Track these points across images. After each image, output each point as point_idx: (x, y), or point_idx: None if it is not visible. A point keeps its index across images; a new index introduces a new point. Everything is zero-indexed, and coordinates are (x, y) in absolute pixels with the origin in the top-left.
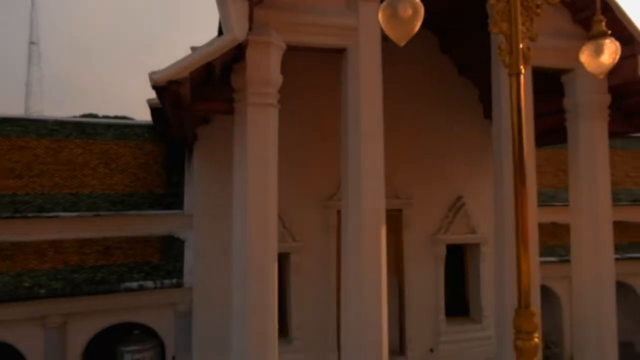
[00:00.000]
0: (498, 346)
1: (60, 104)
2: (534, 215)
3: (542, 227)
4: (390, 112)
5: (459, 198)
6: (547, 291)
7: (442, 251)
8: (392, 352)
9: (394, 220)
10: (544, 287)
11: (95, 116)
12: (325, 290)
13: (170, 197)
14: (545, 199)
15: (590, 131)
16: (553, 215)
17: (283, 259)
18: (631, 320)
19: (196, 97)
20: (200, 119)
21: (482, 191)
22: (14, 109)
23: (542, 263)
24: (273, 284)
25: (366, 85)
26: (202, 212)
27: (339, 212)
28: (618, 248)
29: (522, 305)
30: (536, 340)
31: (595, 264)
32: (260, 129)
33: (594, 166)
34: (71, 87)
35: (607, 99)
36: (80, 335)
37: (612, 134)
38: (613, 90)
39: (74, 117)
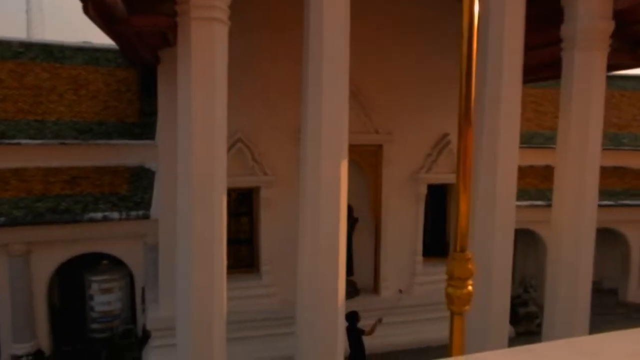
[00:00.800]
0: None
1: (62, 32)
2: (514, 158)
3: (535, 170)
4: (368, 39)
5: (445, 135)
6: (533, 235)
7: (423, 191)
8: (365, 291)
9: (373, 157)
10: (529, 231)
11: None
12: (296, 225)
13: (142, 126)
14: (542, 141)
15: (586, 63)
16: (548, 158)
17: (253, 194)
18: (619, 267)
19: (133, 9)
20: (160, 40)
21: None
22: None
23: (530, 207)
24: (220, 216)
25: (330, 6)
26: (166, 141)
27: None
28: (612, 194)
29: (458, 249)
30: (469, 288)
31: (576, 208)
32: (205, 47)
33: (587, 103)
34: (72, 14)
35: (610, 25)
36: (45, 264)
37: (614, 67)
38: (618, 16)
39: None
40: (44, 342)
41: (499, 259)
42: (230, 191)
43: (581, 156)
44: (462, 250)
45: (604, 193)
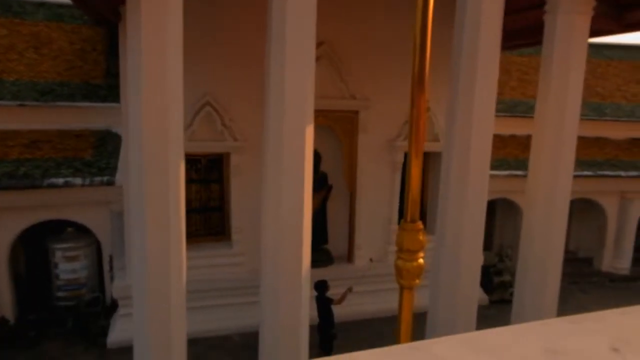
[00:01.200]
0: (441, 258)
1: None
2: (489, 127)
3: (517, 140)
4: (346, 2)
5: None
6: (511, 205)
7: (400, 159)
8: (339, 259)
9: (349, 123)
10: (508, 200)
11: None
12: None
13: (108, 88)
14: (526, 110)
15: (568, 27)
16: (531, 128)
17: (223, 160)
18: (596, 237)
19: None
20: None
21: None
22: None
23: (509, 176)
24: (176, 181)
25: None
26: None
27: None
28: (592, 165)
29: (408, 219)
30: (420, 261)
31: (551, 177)
32: (157, 1)
33: (567, 68)
34: None
35: None
36: (5, 231)
37: (598, 33)
38: None
39: None
40: (8, 310)
41: (470, 229)
42: (200, 157)
43: (559, 123)
44: (413, 220)
45: (584, 163)
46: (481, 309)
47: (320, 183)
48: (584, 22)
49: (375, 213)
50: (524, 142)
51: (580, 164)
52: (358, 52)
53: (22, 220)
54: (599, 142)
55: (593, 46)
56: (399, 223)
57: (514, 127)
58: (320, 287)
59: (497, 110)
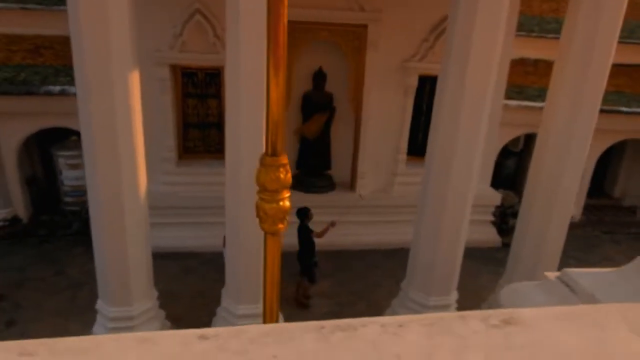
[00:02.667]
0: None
1: None
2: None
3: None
4: None
5: (446, 18)
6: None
7: (413, 82)
8: (342, 185)
9: (357, 39)
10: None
11: None
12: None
13: None
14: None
15: None
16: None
17: (220, 74)
18: None
19: None
20: None
21: None
22: None
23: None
24: (125, 99)
25: None
26: None
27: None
28: (629, 98)
29: (269, 152)
30: (284, 203)
31: (571, 110)
32: None
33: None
34: None
35: None
36: (10, 135)
37: None
38: None
39: None
40: (20, 209)
41: (462, 160)
42: (196, 70)
43: (588, 47)
44: (274, 153)
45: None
46: (492, 251)
47: (324, 104)
48: None
49: (383, 141)
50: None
51: (631, 98)
52: None
53: (25, 127)
54: (634, 72)
55: None
56: (409, 153)
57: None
58: (302, 214)
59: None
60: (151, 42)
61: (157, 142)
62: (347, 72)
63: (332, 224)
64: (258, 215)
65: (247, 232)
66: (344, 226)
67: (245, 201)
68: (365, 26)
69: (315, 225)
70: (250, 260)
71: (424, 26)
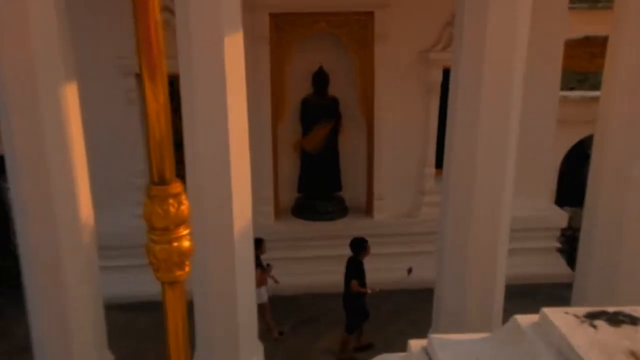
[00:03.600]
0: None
1: None
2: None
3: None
4: None
5: None
6: None
7: (437, 77)
8: (355, 209)
9: (361, 29)
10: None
11: None
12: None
13: None
14: None
15: None
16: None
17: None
18: None
19: None
20: None
21: None
22: None
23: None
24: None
25: None
26: None
27: (272, 16)
28: None
29: (155, 179)
30: (180, 244)
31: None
32: None
33: None
34: None
35: None
36: None
37: None
38: None
39: None
40: None
41: (483, 184)
42: (171, 80)
43: None
44: (161, 181)
45: None
46: (560, 288)
47: (328, 111)
48: None
49: (404, 151)
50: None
51: None
52: None
53: None
54: None
55: None
56: (437, 165)
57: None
58: (357, 247)
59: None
60: (114, 50)
61: (127, 166)
62: (353, 71)
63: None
64: (149, 261)
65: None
66: None
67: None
68: (370, 14)
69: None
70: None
71: (445, 8)
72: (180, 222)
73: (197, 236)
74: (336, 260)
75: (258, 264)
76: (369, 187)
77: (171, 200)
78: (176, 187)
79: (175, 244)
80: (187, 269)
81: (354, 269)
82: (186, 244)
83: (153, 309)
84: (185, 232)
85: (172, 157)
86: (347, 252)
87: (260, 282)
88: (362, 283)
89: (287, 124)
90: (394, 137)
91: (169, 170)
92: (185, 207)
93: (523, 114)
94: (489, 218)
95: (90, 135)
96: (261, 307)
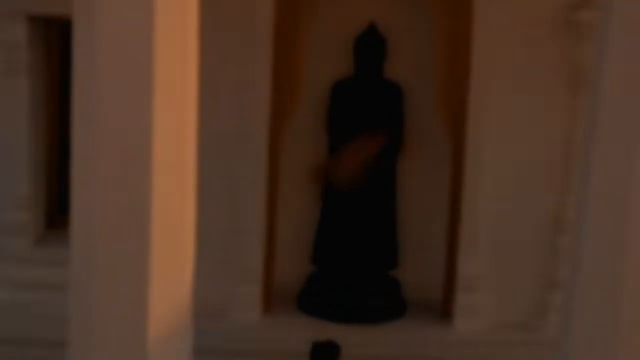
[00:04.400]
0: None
1: None
2: None
3: None
4: None
5: None
6: None
7: (588, 56)
8: (421, 306)
9: None
10: None
11: None
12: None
13: None
14: None
15: None
16: None
17: None
18: None
19: None
20: None
21: None
22: None
23: None
24: None
25: None
26: None
27: None
28: None
29: None
30: None
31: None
32: None
33: None
34: None
35: None
36: None
37: None
38: None
39: None
40: None
41: None
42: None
43: None
44: None
45: None
46: None
47: (383, 111)
48: None
49: (522, 199)
50: None
51: None
52: None
53: None
54: None
55: None
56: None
57: None
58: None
59: None
60: None
61: None
62: (432, 39)
63: None
64: None
65: None
66: None
67: None
68: None
69: None
70: None
71: None
72: None
73: None
74: None
75: None
76: (450, 266)
77: None
78: None
79: None
80: None
81: None
82: None
83: None
84: None
85: None
86: None
87: None
88: None
89: (300, 131)
90: (505, 169)
91: None
92: None
93: None
94: None
95: None
96: None
